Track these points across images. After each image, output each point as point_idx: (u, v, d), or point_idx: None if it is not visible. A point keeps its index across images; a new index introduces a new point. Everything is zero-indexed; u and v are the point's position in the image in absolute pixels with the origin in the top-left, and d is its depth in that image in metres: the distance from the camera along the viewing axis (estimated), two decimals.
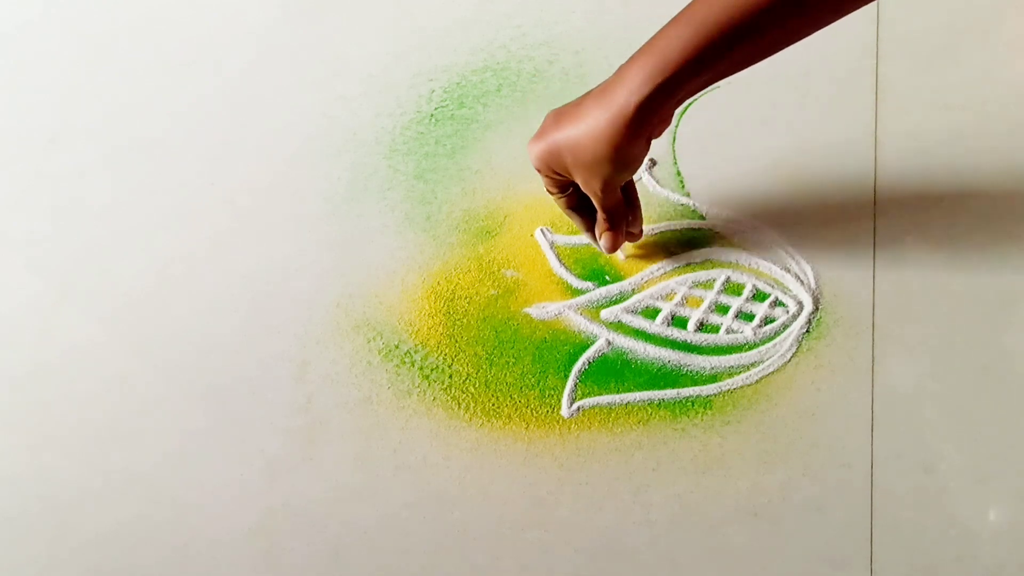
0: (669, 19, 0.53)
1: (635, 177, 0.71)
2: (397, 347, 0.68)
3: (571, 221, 0.65)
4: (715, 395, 0.63)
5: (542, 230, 0.70)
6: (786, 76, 0.71)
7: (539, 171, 0.60)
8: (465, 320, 0.68)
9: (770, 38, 0.52)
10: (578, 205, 0.62)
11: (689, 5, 0.52)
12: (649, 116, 0.53)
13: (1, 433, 0.69)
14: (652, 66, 0.52)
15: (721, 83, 0.74)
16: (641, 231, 0.66)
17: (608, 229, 0.63)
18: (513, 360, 0.66)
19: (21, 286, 0.74)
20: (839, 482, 0.60)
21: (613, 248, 0.64)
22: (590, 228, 0.64)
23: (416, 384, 0.66)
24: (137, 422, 0.68)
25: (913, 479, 0.60)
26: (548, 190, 0.62)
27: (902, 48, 0.72)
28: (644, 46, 0.53)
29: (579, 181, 0.58)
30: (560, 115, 0.57)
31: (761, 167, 0.70)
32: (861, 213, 0.68)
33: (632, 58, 0.53)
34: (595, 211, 0.62)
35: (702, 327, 0.66)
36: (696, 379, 0.64)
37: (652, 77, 0.52)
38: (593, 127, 0.54)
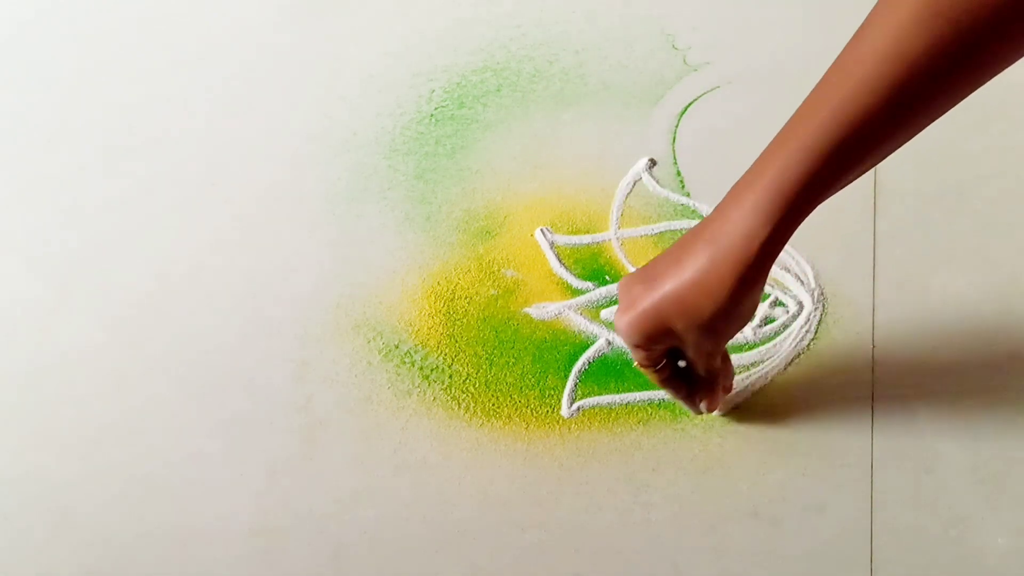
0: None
1: (635, 177, 0.71)
2: (397, 347, 0.68)
3: (667, 392, 0.58)
4: None
5: (542, 230, 0.70)
6: (786, 76, 0.71)
7: (636, 346, 0.52)
8: (465, 320, 0.68)
9: (904, 127, 0.43)
10: (671, 374, 0.55)
11: (789, 123, 0.45)
12: (772, 255, 0.46)
13: (1, 433, 0.69)
14: (768, 202, 0.45)
15: (721, 83, 0.74)
16: (732, 383, 0.60)
17: (712, 390, 0.57)
18: (513, 360, 0.66)
19: (21, 286, 0.74)
20: (839, 482, 0.60)
21: (714, 406, 0.59)
22: (688, 394, 0.58)
23: (416, 384, 0.66)
24: (137, 422, 0.68)
25: (913, 479, 0.60)
26: (641, 365, 0.54)
27: None
28: (745, 178, 0.46)
29: (688, 343, 0.51)
30: (647, 276, 0.50)
31: None
32: (861, 213, 0.68)
33: (734, 195, 0.47)
34: (691, 376, 0.56)
35: None
36: None
37: (771, 215, 0.45)
38: (704, 279, 0.47)
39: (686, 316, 0.49)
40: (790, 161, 0.44)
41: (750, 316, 0.50)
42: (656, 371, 0.54)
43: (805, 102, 0.45)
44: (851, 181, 0.46)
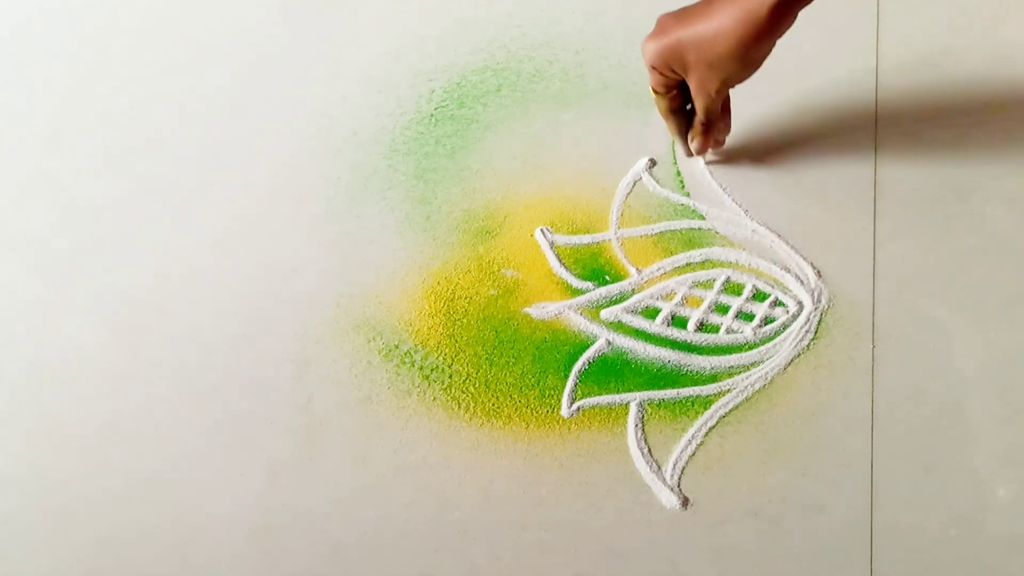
0: None
1: (635, 177, 0.72)
2: (397, 347, 0.68)
3: (666, 124, 0.67)
4: (715, 395, 0.63)
5: (542, 230, 0.70)
6: (786, 76, 0.71)
7: (654, 68, 0.61)
8: (465, 320, 0.68)
9: None
10: (679, 108, 0.64)
11: None
12: (784, 17, 0.55)
13: (1, 433, 0.69)
14: None
15: None
16: (725, 139, 0.69)
17: (703, 132, 0.65)
18: (513, 360, 0.66)
19: (21, 286, 0.74)
20: (839, 482, 0.60)
21: (702, 151, 0.68)
22: (683, 132, 0.67)
23: (416, 384, 0.66)
24: (137, 422, 0.68)
25: (913, 479, 0.60)
26: (654, 89, 0.63)
27: (902, 48, 0.72)
28: None
29: (694, 80, 0.59)
30: (683, 14, 0.58)
31: (761, 167, 0.70)
32: (861, 213, 0.68)
33: None
34: (690, 115, 0.64)
35: (702, 327, 0.66)
36: (696, 379, 0.64)
37: None
38: (723, 25, 0.56)
39: (699, 51, 0.57)
40: None
41: (753, 68, 0.58)
42: (666, 98, 0.63)
43: None
44: None
